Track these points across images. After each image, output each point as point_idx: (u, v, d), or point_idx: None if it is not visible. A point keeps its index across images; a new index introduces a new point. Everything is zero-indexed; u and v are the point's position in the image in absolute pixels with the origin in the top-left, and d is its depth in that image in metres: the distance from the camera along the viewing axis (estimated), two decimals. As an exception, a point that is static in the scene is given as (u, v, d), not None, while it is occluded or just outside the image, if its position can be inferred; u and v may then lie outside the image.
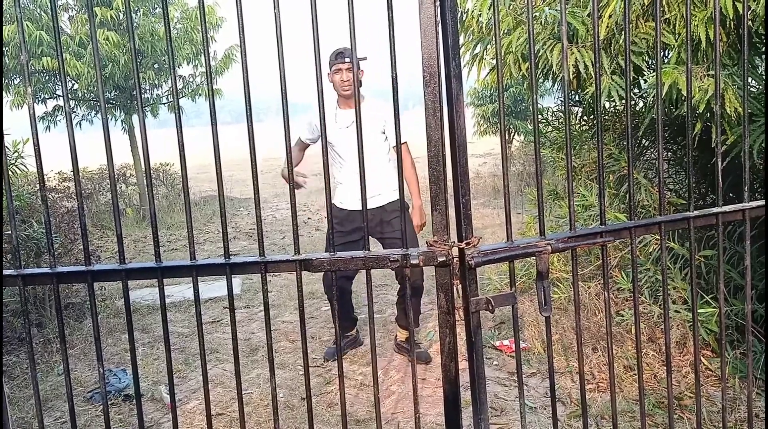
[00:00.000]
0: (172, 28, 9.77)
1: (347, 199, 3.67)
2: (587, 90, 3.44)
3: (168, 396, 3.43)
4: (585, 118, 4.50)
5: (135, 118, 9.93)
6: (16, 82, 9.25)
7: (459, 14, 3.75)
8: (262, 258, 1.59)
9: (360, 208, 3.66)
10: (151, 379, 3.81)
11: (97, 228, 9.08)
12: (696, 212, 1.79)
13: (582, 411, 1.76)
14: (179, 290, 5.49)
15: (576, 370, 3.32)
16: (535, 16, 3.54)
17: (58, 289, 1.60)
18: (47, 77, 9.40)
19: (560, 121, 4.92)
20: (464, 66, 3.88)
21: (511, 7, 3.55)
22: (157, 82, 9.98)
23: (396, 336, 4.09)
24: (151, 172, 1.60)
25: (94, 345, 1.60)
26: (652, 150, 4.28)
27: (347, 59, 3.54)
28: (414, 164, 3.72)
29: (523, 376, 3.48)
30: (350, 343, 4.12)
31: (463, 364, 2.08)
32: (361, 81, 3.66)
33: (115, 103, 9.81)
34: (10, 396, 3.56)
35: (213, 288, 5.55)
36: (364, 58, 3.49)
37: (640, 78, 3.66)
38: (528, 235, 4.77)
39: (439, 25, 1.50)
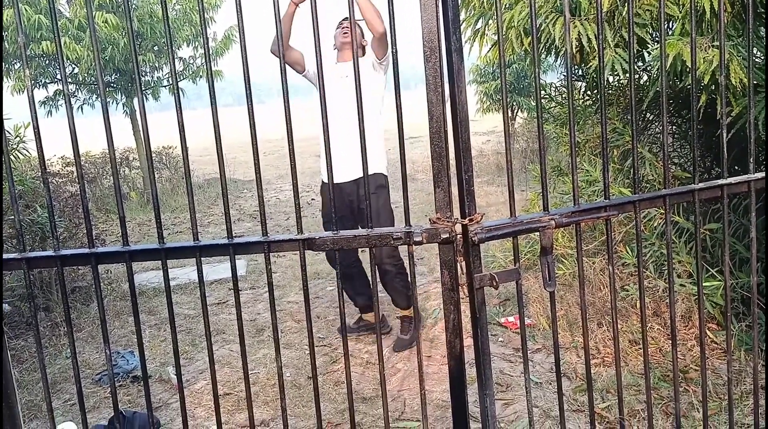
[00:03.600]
0: (170, 10, 9.70)
1: (341, 172, 3.53)
2: (590, 64, 3.41)
3: (175, 377, 3.45)
4: (589, 92, 4.47)
5: (136, 101, 9.89)
6: (16, 66, 9.22)
7: (460, -11, 3.72)
8: (265, 238, 1.59)
9: (344, 180, 3.64)
10: (159, 360, 3.84)
11: (101, 212, 9.10)
12: (700, 185, 1.78)
13: (587, 385, 1.77)
14: (184, 273, 5.51)
15: (581, 345, 3.33)
16: (537, -11, 3.50)
17: (62, 272, 1.60)
18: (47, 61, 9.37)
19: (563, 96, 4.88)
20: (466, 42, 3.84)
21: (513, -20, 3.51)
22: (157, 65, 9.94)
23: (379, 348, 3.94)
24: (153, 155, 1.59)
25: (101, 328, 1.61)
26: (656, 124, 4.25)
27: (345, 23, 3.72)
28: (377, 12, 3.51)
29: (529, 351, 3.48)
30: (368, 328, 4.01)
31: (469, 341, 2.09)
32: (364, 47, 3.78)
33: (115, 87, 9.78)
34: (19, 380, 3.59)
35: (218, 270, 5.57)
36: (361, 19, 3.55)
37: (644, 50, 3.62)
38: (532, 211, 4.76)
39: (439, -1, 1.48)
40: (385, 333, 3.95)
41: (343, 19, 3.75)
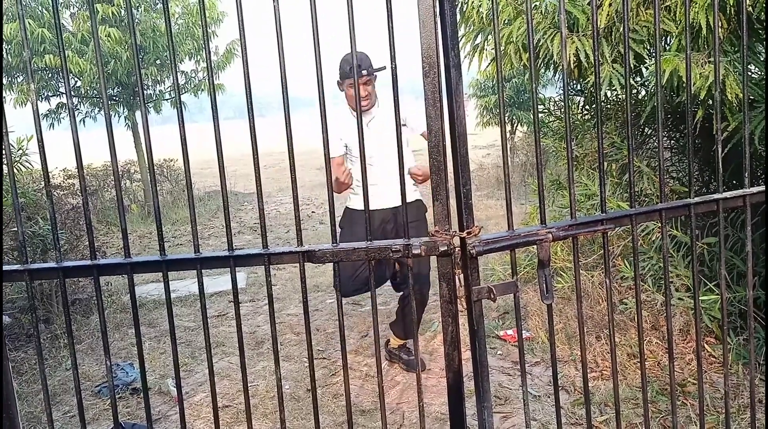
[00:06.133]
0: (173, 24, 9.77)
1: (377, 199, 3.26)
2: (588, 79, 3.44)
3: (175, 389, 3.46)
4: (587, 107, 4.50)
5: (138, 115, 9.96)
6: (19, 79, 9.27)
7: (459, 5, 3.76)
8: (266, 250, 1.61)
9: (386, 206, 3.41)
10: (158, 372, 3.84)
11: (102, 224, 9.12)
12: (696, 199, 1.79)
13: (585, 399, 1.77)
14: (184, 285, 5.52)
15: (579, 358, 3.34)
16: (535, 5, 3.54)
17: (64, 283, 1.61)
18: (50, 75, 9.42)
19: (562, 110, 4.91)
20: (465, 57, 3.88)
21: (512, -3, 3.55)
22: (159, 78, 9.99)
23: (388, 341, 3.81)
24: (155, 167, 1.61)
25: (101, 340, 1.62)
26: (654, 138, 4.27)
27: (364, 72, 3.24)
28: None
29: (527, 365, 3.50)
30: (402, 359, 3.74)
31: (467, 354, 2.10)
32: (376, 94, 3.43)
33: (118, 100, 9.83)
34: (19, 391, 3.59)
35: (218, 282, 5.58)
36: (383, 68, 3.24)
37: (641, 66, 3.66)
38: (531, 224, 4.77)
39: (438, 15, 1.50)
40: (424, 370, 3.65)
41: (350, 69, 3.08)
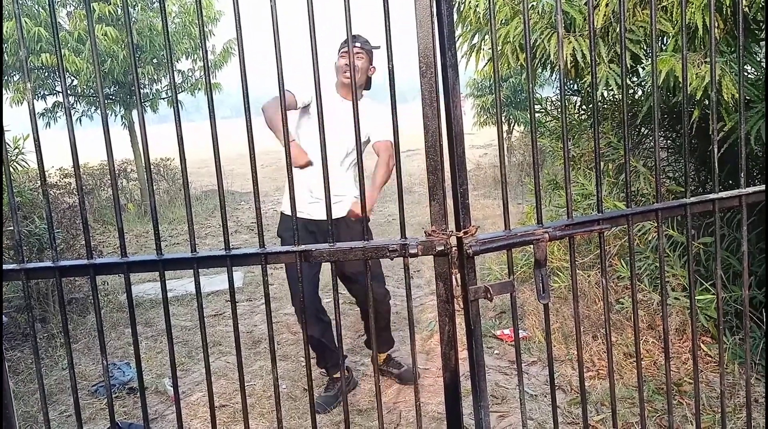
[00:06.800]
0: (169, 23, 9.76)
1: (305, 204, 3.15)
2: (585, 79, 3.44)
3: (171, 388, 3.45)
4: (583, 107, 4.50)
5: (135, 114, 9.94)
6: (15, 78, 9.24)
7: (456, 5, 3.76)
8: (263, 249, 1.61)
9: (318, 217, 3.15)
10: (155, 372, 3.84)
11: (98, 223, 9.10)
12: (692, 199, 1.80)
13: (581, 398, 1.78)
14: (181, 284, 5.51)
15: (576, 357, 3.34)
16: (532, 5, 3.54)
17: (61, 283, 1.61)
18: (46, 74, 9.40)
19: (559, 110, 4.92)
20: (462, 57, 3.88)
21: (509, -4, 3.55)
22: (156, 77, 9.97)
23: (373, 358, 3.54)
24: (152, 166, 1.61)
25: (97, 339, 1.62)
26: (650, 138, 4.28)
27: (357, 44, 3.26)
28: (390, 166, 3.20)
29: (524, 364, 3.50)
30: (336, 389, 3.42)
31: (464, 354, 2.10)
32: (370, 78, 3.38)
33: (114, 99, 9.80)
34: (15, 391, 3.58)
35: (215, 281, 5.58)
36: (378, 47, 3.25)
37: (638, 66, 3.66)
38: (528, 224, 4.77)
39: (435, 15, 1.50)
40: (351, 389, 3.48)
41: (345, 42, 3.09)
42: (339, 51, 3.28)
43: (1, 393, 1.63)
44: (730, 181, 3.52)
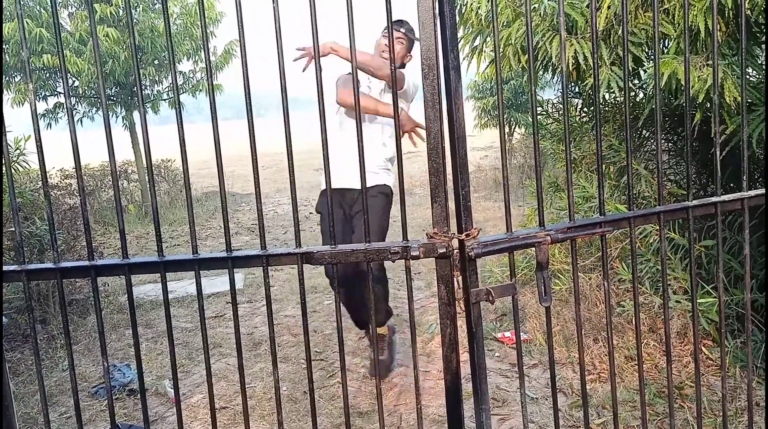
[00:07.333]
0: (171, 24, 9.77)
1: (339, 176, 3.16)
2: (587, 81, 3.44)
3: (172, 390, 3.46)
4: (585, 109, 4.50)
5: (136, 115, 9.95)
6: (17, 79, 9.25)
7: (458, 7, 3.76)
8: (264, 251, 1.61)
9: (343, 186, 3.31)
10: (155, 373, 3.84)
11: (99, 225, 9.10)
12: (694, 202, 1.80)
13: (583, 401, 1.77)
14: (182, 286, 5.51)
15: (577, 360, 3.33)
16: (534, 7, 3.54)
17: (62, 284, 1.61)
18: (48, 74, 9.41)
19: (560, 112, 4.92)
20: (464, 59, 3.88)
21: (510, -1, 3.55)
22: (157, 78, 9.98)
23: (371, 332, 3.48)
24: (153, 168, 1.61)
25: (97, 340, 1.62)
26: (652, 141, 4.28)
27: (402, 29, 3.38)
28: (383, 108, 3.28)
29: (525, 367, 3.49)
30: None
31: (465, 356, 2.10)
32: (404, 65, 3.50)
33: (115, 100, 9.81)
34: (16, 392, 3.58)
35: (216, 283, 5.57)
36: (418, 39, 3.32)
37: (640, 69, 3.66)
38: (529, 227, 4.77)
39: (437, 17, 1.50)
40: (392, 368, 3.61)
41: (394, 23, 3.29)
42: (382, 31, 3.43)
43: (1, 394, 1.63)
44: (732, 184, 3.52)
